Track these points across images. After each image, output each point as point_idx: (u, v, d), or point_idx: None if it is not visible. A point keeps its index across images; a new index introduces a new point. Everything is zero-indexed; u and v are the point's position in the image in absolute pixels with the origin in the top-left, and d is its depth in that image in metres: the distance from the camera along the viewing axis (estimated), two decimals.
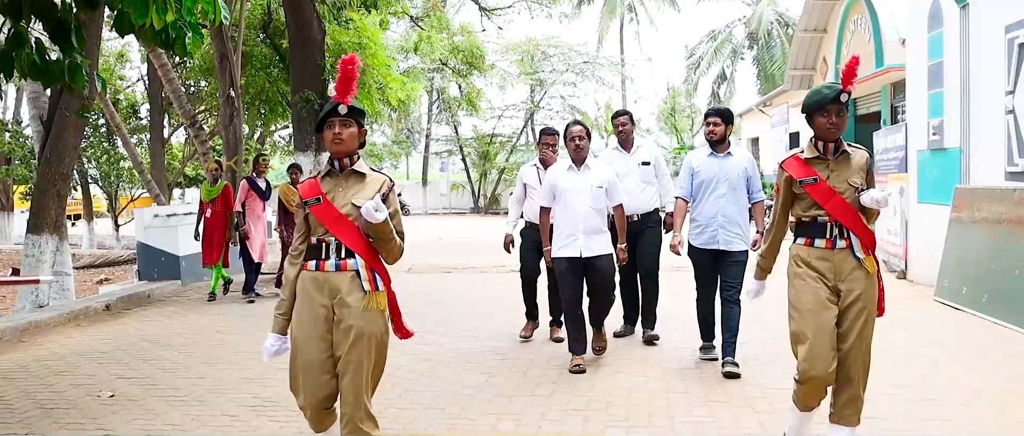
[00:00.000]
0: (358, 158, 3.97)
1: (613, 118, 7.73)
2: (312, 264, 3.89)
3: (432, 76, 33.55)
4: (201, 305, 10.57)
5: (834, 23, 19.38)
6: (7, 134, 27.57)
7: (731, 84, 40.23)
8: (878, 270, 4.36)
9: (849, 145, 4.39)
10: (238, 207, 10.82)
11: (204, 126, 20.11)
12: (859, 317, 4.22)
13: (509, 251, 7.91)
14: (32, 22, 5.56)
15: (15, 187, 30.29)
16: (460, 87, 32.33)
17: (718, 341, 6.61)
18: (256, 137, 24.58)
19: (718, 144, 6.57)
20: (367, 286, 3.85)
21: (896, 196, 11.86)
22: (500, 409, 5.54)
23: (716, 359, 6.57)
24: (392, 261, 3.98)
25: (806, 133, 16.42)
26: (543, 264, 7.36)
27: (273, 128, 24.78)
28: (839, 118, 4.24)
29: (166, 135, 25.98)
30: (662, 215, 7.57)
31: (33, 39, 5.65)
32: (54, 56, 5.81)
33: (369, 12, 14.22)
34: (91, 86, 7.93)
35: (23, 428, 5.28)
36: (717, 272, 6.58)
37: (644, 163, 7.52)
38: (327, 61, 12.88)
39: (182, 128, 26.87)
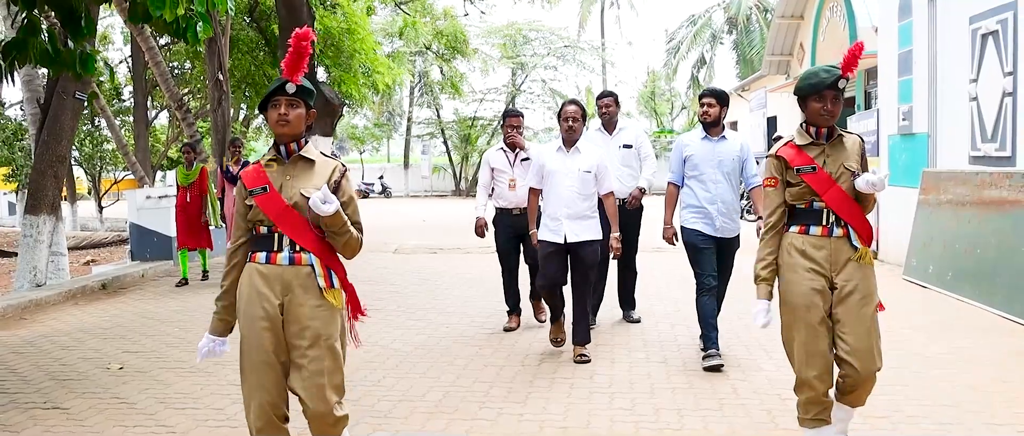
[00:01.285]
0: (306, 142, 3.60)
1: (598, 99, 7.59)
2: (261, 256, 3.54)
3: (414, 59, 33.77)
4: (195, 284, 10.86)
5: (810, 10, 19.77)
6: None
7: (710, 69, 40.64)
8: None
9: (842, 131, 4.14)
10: (219, 195, 11.01)
11: (190, 108, 20.29)
12: (860, 305, 3.96)
13: (483, 235, 7.48)
14: (44, 11, 5.82)
15: None
16: (442, 71, 32.56)
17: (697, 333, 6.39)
18: (241, 119, 24.76)
19: (712, 126, 6.25)
20: (322, 283, 3.54)
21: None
22: (501, 396, 5.68)
23: (721, 366, 5.97)
24: (349, 256, 3.64)
25: (785, 117, 17.19)
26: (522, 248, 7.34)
27: (257, 111, 24.99)
28: (834, 105, 3.98)
29: (150, 117, 26.10)
30: (637, 191, 7.31)
31: (45, 27, 5.92)
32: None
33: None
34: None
35: (41, 398, 5.58)
36: (714, 257, 6.20)
37: (625, 146, 7.38)
38: (316, 46, 13.12)
39: (165, 110, 27.05)
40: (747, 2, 37.75)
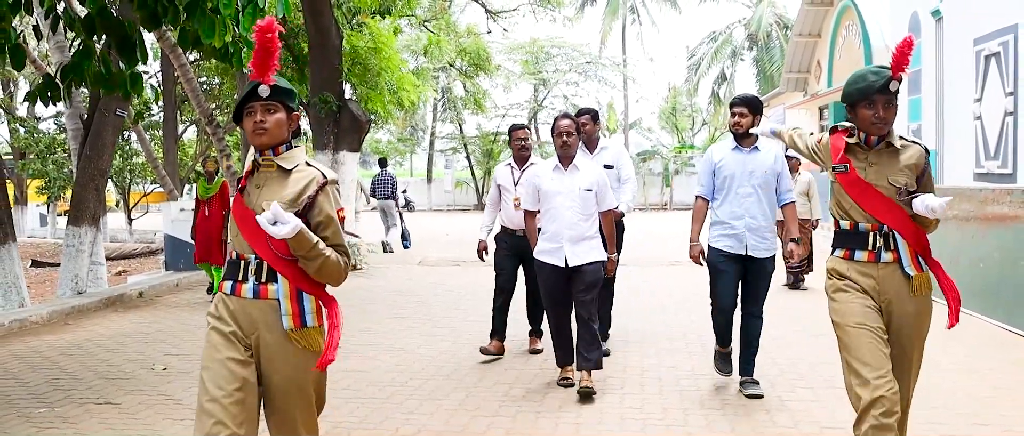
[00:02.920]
0: (284, 149, 3.20)
1: (577, 116, 6.94)
2: (227, 285, 3.20)
3: (437, 75, 34.30)
4: None
5: (827, 28, 20.13)
6: (22, 129, 28.36)
7: (731, 84, 41.00)
8: (945, 280, 3.75)
9: (903, 139, 3.73)
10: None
11: (220, 123, 20.86)
12: (907, 351, 3.67)
13: (483, 259, 7.18)
14: (100, 37, 6.29)
15: (30, 181, 31.04)
16: (465, 87, 33.05)
17: (735, 357, 5.92)
18: None
19: (743, 137, 5.72)
20: (289, 322, 3.14)
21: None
22: (520, 396, 5.99)
23: (730, 371, 5.91)
24: (333, 283, 3.24)
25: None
26: (521, 272, 7.02)
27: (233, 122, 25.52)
28: (887, 110, 3.58)
29: (179, 131, 26.72)
30: (619, 214, 6.57)
31: (99, 51, 6.40)
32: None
33: (383, 17, 14.94)
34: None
35: (93, 394, 6.03)
36: (738, 280, 5.75)
37: (606, 166, 6.80)
38: (343, 65, 13.60)
39: (194, 124, 27.69)
40: (767, 19, 38.12)
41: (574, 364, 5.97)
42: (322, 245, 3.10)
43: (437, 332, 8.21)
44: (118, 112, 10.62)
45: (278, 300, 3.13)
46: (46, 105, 6.24)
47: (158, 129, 27.22)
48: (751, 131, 5.61)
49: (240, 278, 3.16)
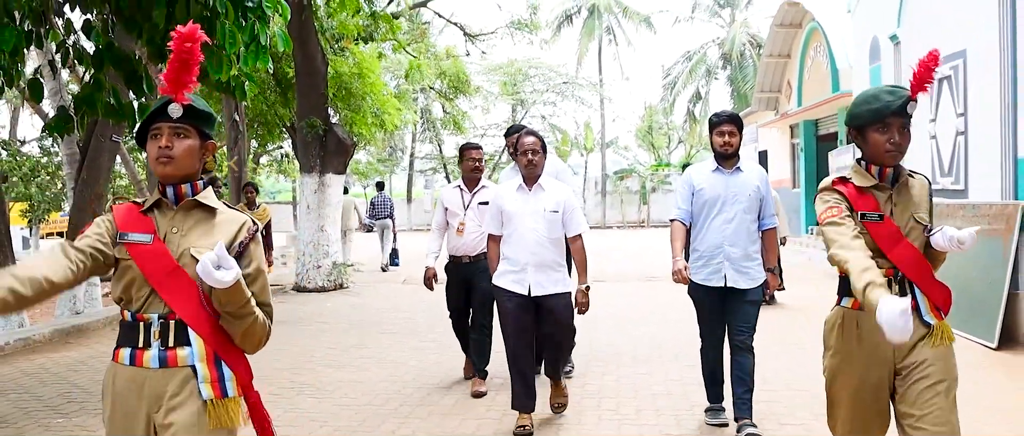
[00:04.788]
0: (203, 185, 2.73)
1: (506, 135, 6.74)
2: (125, 353, 2.67)
3: (416, 96, 34.80)
4: None
5: (796, 50, 20.79)
6: (4, 152, 28.59)
7: (706, 103, 41.69)
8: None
9: (910, 171, 3.29)
10: None
11: None
12: (935, 389, 3.07)
13: (432, 287, 6.62)
14: (108, 71, 6.72)
15: (12, 205, 31.19)
16: (444, 108, 33.56)
17: (727, 401, 5.47)
18: (251, 155, 25.74)
19: (727, 158, 5.29)
20: (208, 391, 2.62)
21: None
22: (504, 402, 6.06)
23: (726, 424, 5.42)
24: (252, 349, 2.73)
25: (775, 151, 18.37)
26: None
27: (268, 147, 25.98)
28: (903, 136, 3.13)
29: None
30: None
31: (108, 84, 6.83)
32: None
33: (366, 43, 15.43)
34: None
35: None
36: (724, 314, 5.33)
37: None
38: (329, 90, 14.07)
39: None
40: (741, 38, 38.89)
41: (533, 410, 5.47)
42: (254, 303, 2.66)
43: (424, 345, 8.64)
44: (113, 138, 11.01)
45: (192, 366, 2.61)
46: (62, 137, 6.66)
47: (141, 151, 27.50)
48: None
49: (141, 344, 2.62)
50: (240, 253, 2.68)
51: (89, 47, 6.97)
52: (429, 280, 6.60)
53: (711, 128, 5.34)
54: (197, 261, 2.51)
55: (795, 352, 7.79)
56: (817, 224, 3.19)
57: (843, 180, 3.22)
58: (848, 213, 3.12)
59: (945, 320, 3.20)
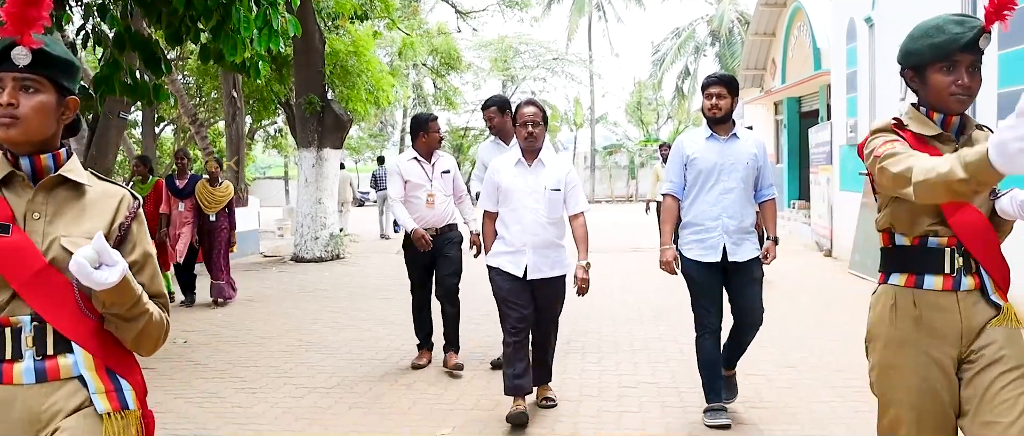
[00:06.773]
0: (67, 156, 2.14)
1: (483, 108, 6.48)
2: None
3: (408, 72, 35.25)
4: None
5: (781, 28, 21.26)
6: None
7: (694, 79, 42.11)
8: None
9: (978, 124, 2.70)
10: (164, 209, 9.68)
11: (202, 121, 21.72)
12: (1015, 381, 2.47)
13: (428, 245, 6.19)
14: (129, 52, 7.20)
15: None
16: (436, 84, 34.00)
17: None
18: (247, 130, 26.17)
19: (720, 123, 4.87)
20: (104, 404, 2.07)
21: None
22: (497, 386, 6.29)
23: (728, 426, 4.88)
24: (148, 352, 2.20)
25: (760, 128, 19.04)
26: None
27: (263, 123, 26.43)
28: (973, 77, 2.51)
29: (157, 130, 27.46)
30: None
31: (126, 64, 7.31)
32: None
33: (362, 22, 15.89)
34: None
35: None
36: (721, 295, 4.92)
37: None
38: (326, 68, 14.56)
39: (172, 123, 28.43)
40: (729, 15, 39.29)
41: (529, 392, 5.11)
42: (145, 297, 2.11)
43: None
44: (121, 115, 11.48)
45: (80, 376, 2.07)
46: (84, 116, 7.13)
47: (135, 127, 27.93)
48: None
49: (9, 355, 2.02)
50: (122, 238, 2.13)
51: (108, 31, 7.45)
52: (421, 239, 6.12)
53: (702, 92, 4.94)
54: (70, 254, 1.95)
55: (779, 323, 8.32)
56: (866, 171, 2.63)
57: (900, 125, 2.62)
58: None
59: (1009, 301, 2.63)
